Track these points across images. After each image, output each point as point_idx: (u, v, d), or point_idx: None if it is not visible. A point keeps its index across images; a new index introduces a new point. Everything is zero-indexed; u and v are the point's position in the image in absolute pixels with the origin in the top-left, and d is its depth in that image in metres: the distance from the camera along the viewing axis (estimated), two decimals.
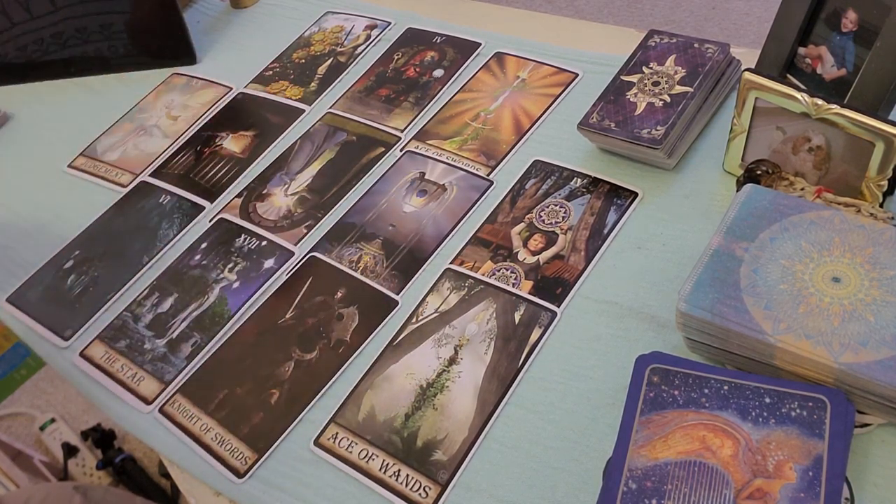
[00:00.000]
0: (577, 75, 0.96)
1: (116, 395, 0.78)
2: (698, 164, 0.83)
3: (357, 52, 1.09)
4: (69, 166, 1.05)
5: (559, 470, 0.64)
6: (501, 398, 0.69)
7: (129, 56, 1.16)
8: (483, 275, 0.79)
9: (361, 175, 0.92)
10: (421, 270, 0.81)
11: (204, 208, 0.94)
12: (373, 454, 0.68)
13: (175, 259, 0.89)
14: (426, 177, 0.90)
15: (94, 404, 0.80)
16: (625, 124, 0.81)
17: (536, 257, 0.79)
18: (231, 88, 1.09)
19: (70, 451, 1.57)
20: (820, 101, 0.70)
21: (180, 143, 1.03)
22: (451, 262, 0.81)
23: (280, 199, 0.93)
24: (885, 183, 0.70)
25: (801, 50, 0.81)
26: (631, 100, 0.83)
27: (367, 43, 1.10)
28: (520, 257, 0.79)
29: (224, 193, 0.95)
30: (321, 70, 1.08)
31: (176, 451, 0.73)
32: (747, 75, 0.74)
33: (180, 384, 0.77)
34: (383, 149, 0.95)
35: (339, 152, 0.96)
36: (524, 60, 1.00)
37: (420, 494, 0.65)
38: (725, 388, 0.60)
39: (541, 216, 0.82)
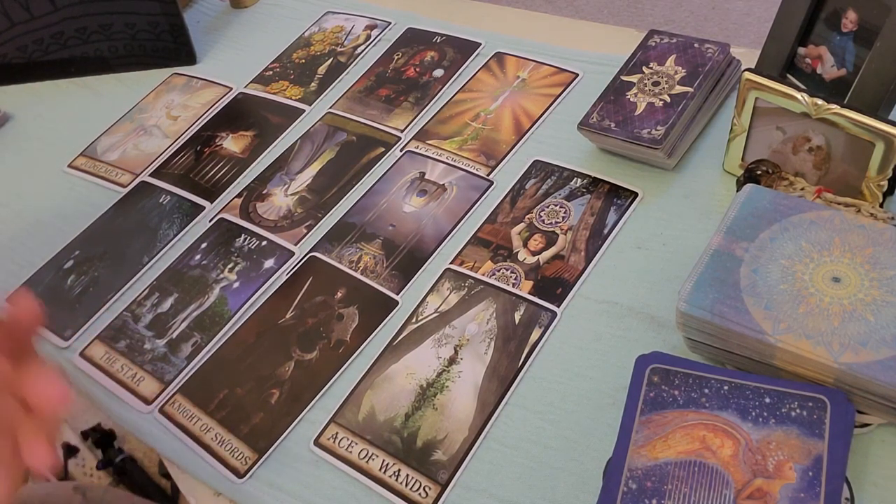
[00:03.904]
0: (577, 75, 0.96)
1: (116, 395, 0.78)
2: (698, 164, 0.83)
3: (357, 52, 1.09)
4: (69, 166, 1.05)
5: (559, 470, 0.64)
6: (501, 398, 0.69)
7: (129, 56, 1.16)
8: (483, 275, 0.79)
9: (361, 175, 0.92)
10: (421, 270, 0.81)
11: (204, 208, 0.94)
12: (373, 454, 0.68)
13: (175, 259, 0.89)
14: (426, 177, 0.90)
15: (94, 404, 0.80)
16: (625, 124, 0.81)
17: (536, 257, 0.79)
18: (231, 88, 1.09)
19: (70, 451, 1.57)
20: (820, 101, 0.70)
21: (180, 143, 1.03)
22: (451, 262, 0.81)
23: (280, 199, 0.93)
24: (885, 183, 0.70)
25: (801, 50, 0.81)
26: (631, 100, 0.83)
27: (367, 43, 1.10)
28: (520, 257, 0.79)
29: (224, 193, 0.95)
30: (321, 70, 1.08)
31: (176, 451, 0.73)
32: (747, 75, 0.74)
33: (180, 384, 0.77)
34: (383, 149, 0.95)
35: (339, 152, 0.96)
36: (524, 60, 1.00)
37: (420, 494, 0.65)
38: (725, 388, 0.60)
39: (541, 216, 0.82)
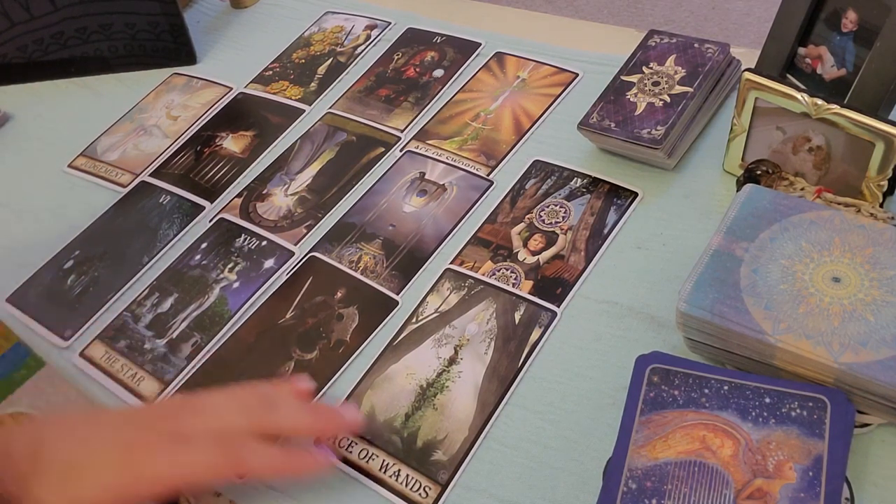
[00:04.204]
0: (577, 75, 0.96)
1: (116, 395, 0.78)
2: (698, 164, 0.83)
3: (357, 52, 1.09)
4: (69, 166, 1.05)
5: (559, 470, 0.64)
6: (501, 398, 0.69)
7: (129, 56, 1.16)
8: (483, 275, 0.79)
9: (361, 175, 0.92)
10: (421, 270, 0.81)
11: (204, 208, 0.94)
12: (373, 454, 0.68)
13: (175, 259, 0.89)
14: (426, 177, 0.90)
15: (93, 404, 0.80)
16: (625, 124, 0.81)
17: (536, 257, 0.79)
18: (231, 88, 1.09)
19: None
20: (820, 101, 0.70)
21: (180, 143, 1.03)
22: (451, 262, 0.81)
23: (280, 199, 0.93)
24: (885, 183, 0.70)
25: (801, 50, 0.81)
26: (631, 100, 0.83)
27: (367, 43, 1.10)
28: (520, 257, 0.79)
29: (224, 193, 0.95)
30: (321, 70, 1.08)
31: None
32: (747, 75, 0.74)
33: (180, 384, 0.77)
34: (383, 149, 0.95)
35: (339, 152, 0.96)
36: (524, 60, 1.00)
37: (420, 494, 0.65)
38: (725, 388, 0.60)
39: (541, 216, 0.82)
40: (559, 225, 0.81)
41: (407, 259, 0.82)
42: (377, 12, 1.15)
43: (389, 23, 1.12)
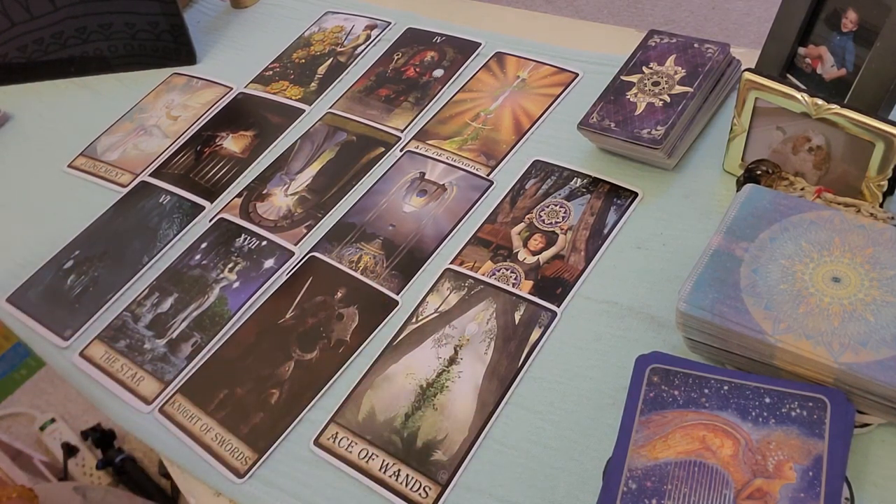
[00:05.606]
0: (577, 75, 0.96)
1: (116, 395, 0.78)
2: (698, 164, 0.83)
3: (357, 52, 1.09)
4: (69, 166, 1.05)
5: (559, 470, 0.64)
6: (501, 398, 0.69)
7: (129, 56, 1.16)
8: (483, 275, 0.79)
9: (361, 175, 0.92)
10: (421, 270, 0.81)
11: (204, 208, 0.94)
12: (373, 454, 0.68)
13: (175, 259, 0.89)
14: (426, 177, 0.90)
15: (94, 404, 0.80)
16: (625, 124, 0.81)
17: (536, 257, 0.79)
18: (231, 88, 1.09)
19: (70, 451, 1.57)
20: (820, 101, 0.70)
21: (180, 143, 1.03)
22: (451, 262, 0.81)
23: (280, 199, 0.93)
24: (885, 183, 0.70)
25: (801, 50, 0.81)
26: (631, 100, 0.83)
27: (367, 43, 1.10)
28: (520, 257, 0.79)
29: (224, 193, 0.95)
30: (321, 70, 1.08)
31: (176, 451, 0.73)
32: (747, 75, 0.74)
33: (180, 384, 0.77)
34: (383, 149, 0.95)
35: (339, 152, 0.96)
36: (524, 60, 1.00)
37: (420, 494, 0.65)
38: (725, 388, 0.60)
39: (541, 216, 0.82)
40: (559, 225, 0.81)
41: (407, 259, 0.82)
42: (377, 12, 1.15)
43: (389, 23, 1.12)
